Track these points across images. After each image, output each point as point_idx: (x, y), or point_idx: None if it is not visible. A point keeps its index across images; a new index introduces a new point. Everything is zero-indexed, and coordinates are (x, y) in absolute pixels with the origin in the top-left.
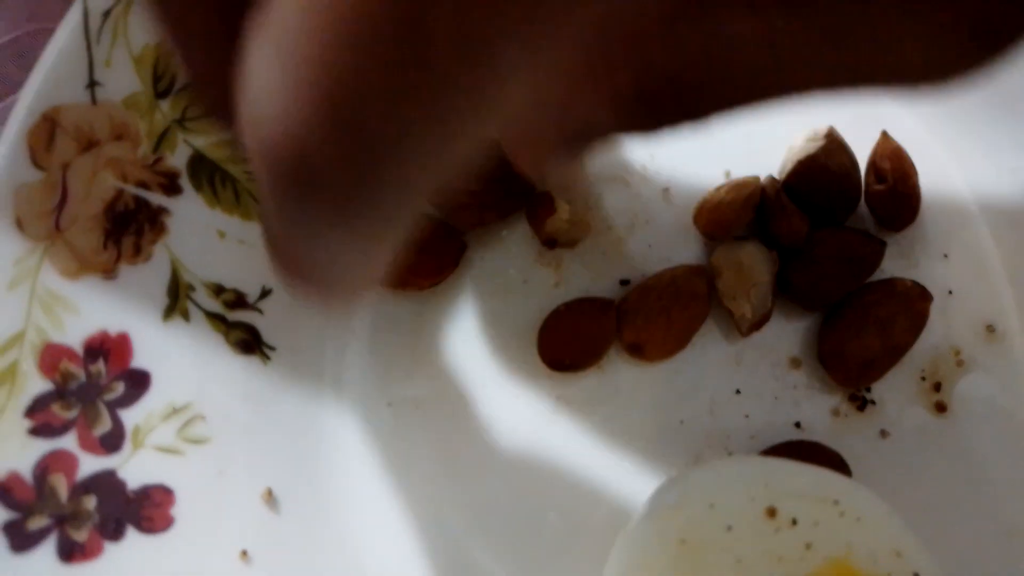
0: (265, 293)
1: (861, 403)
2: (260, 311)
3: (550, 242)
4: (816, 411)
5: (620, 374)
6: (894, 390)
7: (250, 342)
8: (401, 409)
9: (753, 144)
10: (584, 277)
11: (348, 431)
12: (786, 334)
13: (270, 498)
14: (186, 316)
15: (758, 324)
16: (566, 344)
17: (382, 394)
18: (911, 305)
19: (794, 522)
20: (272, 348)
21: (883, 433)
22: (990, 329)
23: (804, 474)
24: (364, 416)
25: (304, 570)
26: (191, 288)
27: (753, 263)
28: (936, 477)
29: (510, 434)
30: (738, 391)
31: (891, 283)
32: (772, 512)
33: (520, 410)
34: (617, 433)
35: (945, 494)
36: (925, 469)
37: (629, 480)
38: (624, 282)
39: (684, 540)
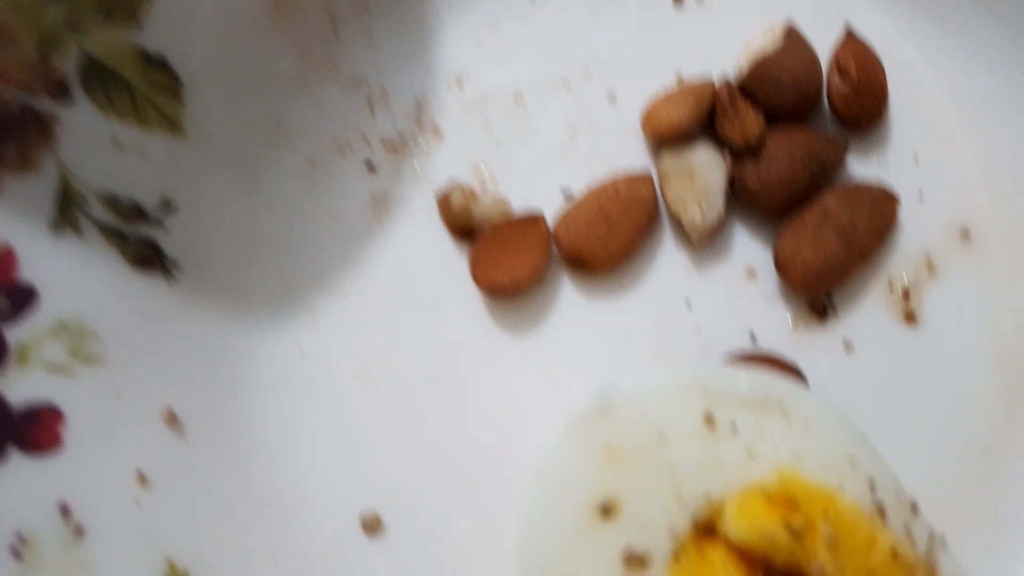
0: (168, 207)
1: (822, 313)
2: (162, 226)
3: (465, 233)
4: (773, 323)
5: (562, 289)
6: (859, 299)
7: (151, 259)
8: (322, 332)
9: (707, 44)
10: (523, 190)
11: (261, 355)
12: (741, 243)
13: (172, 420)
14: (77, 229)
15: (710, 233)
16: (500, 266)
17: (300, 318)
18: (877, 209)
19: (734, 429)
20: (177, 267)
21: (847, 345)
22: (964, 233)
23: (745, 378)
24: (279, 340)
25: (209, 496)
26: (82, 199)
27: (704, 168)
28: (905, 392)
29: (442, 356)
30: (689, 304)
31: (855, 186)
32: (710, 419)
33: (454, 330)
34: (557, 351)
35: (915, 410)
36: (893, 383)
37: (567, 399)
38: (567, 193)
39: (612, 449)
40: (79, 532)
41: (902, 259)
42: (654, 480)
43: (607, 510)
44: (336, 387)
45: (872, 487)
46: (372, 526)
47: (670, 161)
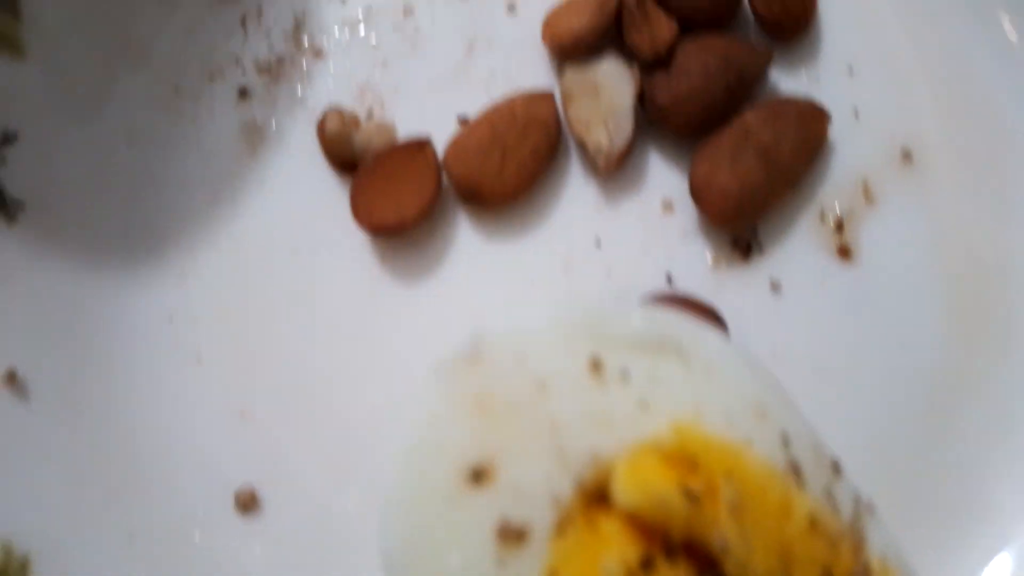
0: (8, 138)
1: (746, 249)
2: (2, 161)
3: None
4: (692, 261)
5: (456, 228)
6: (786, 233)
7: None
8: (190, 285)
9: None
10: (414, 116)
11: (120, 313)
12: (656, 173)
13: (13, 382)
14: None
15: (618, 158)
16: (384, 202)
17: (165, 271)
18: (804, 126)
19: (625, 377)
20: (19, 207)
21: (773, 285)
22: (906, 155)
23: (638, 317)
24: (141, 297)
25: (58, 471)
26: None
27: (610, 83)
28: (840, 337)
29: (324, 309)
30: (598, 242)
31: (778, 101)
32: (597, 365)
33: (337, 279)
34: (453, 299)
35: (852, 358)
36: (826, 328)
37: None
38: (463, 120)
39: (483, 402)
40: None
41: (835, 186)
42: (533, 438)
43: (479, 475)
44: (206, 349)
45: (786, 443)
46: (248, 503)
47: (573, 76)
